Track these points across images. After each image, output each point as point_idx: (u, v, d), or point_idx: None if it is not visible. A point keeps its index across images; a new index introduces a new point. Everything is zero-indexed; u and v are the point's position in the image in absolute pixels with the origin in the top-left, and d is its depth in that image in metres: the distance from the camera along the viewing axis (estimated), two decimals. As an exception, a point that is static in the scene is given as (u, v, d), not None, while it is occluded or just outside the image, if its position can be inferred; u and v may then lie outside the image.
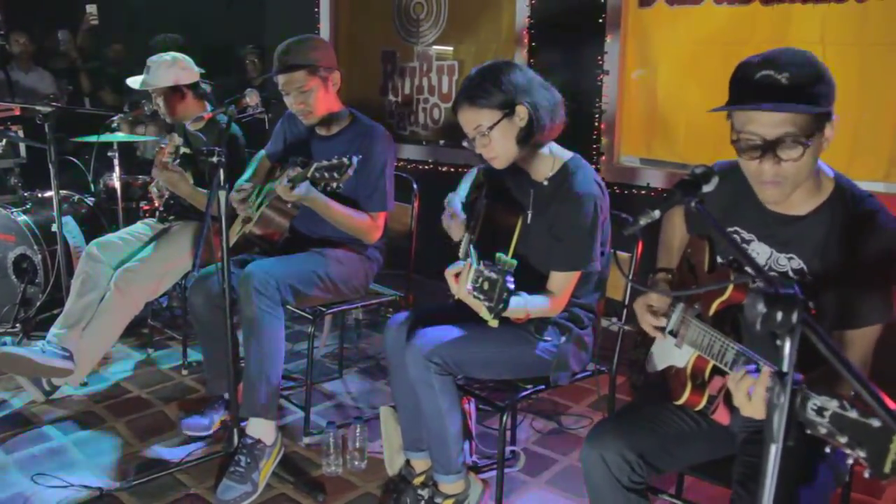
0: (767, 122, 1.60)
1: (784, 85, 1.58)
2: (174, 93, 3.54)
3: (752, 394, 1.47)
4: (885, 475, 1.14)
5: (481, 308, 2.01)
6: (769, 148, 1.62)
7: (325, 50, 3.05)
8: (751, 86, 1.62)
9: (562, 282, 2.34)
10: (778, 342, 1.16)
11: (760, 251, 1.82)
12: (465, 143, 2.38)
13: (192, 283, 3.09)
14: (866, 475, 1.16)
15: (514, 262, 1.95)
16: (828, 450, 1.22)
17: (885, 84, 3.32)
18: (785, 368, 1.16)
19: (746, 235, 1.85)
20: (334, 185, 2.63)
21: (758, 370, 1.51)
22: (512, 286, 1.92)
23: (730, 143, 1.70)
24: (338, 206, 2.93)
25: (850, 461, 1.20)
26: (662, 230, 2.17)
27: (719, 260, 1.89)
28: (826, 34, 3.43)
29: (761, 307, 1.14)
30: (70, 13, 6.51)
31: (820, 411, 1.21)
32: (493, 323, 2.00)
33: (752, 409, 1.47)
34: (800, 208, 1.75)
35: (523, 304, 2.22)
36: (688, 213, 2.07)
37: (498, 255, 1.98)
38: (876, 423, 1.15)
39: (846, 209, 1.71)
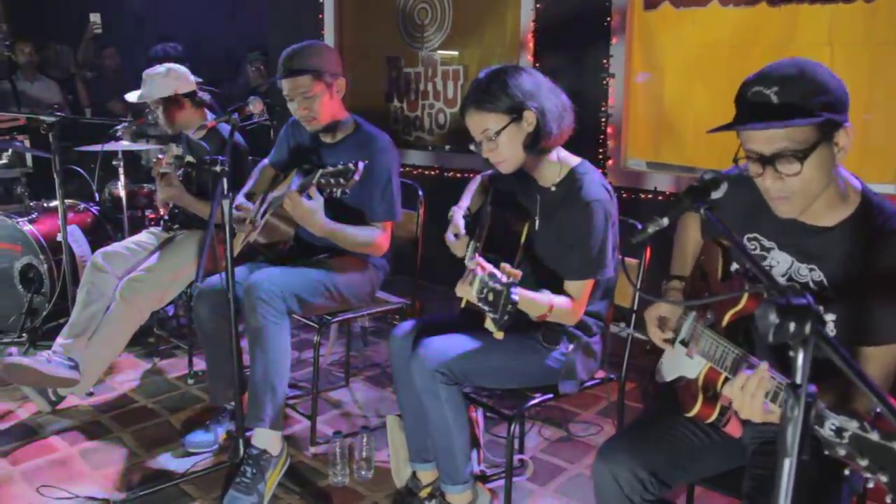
0: (762, 140, 1.59)
1: (773, 101, 1.56)
2: (171, 103, 3.53)
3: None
4: None
5: (486, 318, 1.99)
6: (768, 164, 1.60)
7: (331, 56, 3.03)
8: (745, 104, 1.61)
9: (577, 290, 2.31)
10: (791, 354, 1.12)
11: (781, 260, 1.78)
12: (471, 147, 2.36)
13: (196, 293, 3.08)
14: (888, 500, 1.12)
15: (519, 272, 1.93)
16: (847, 472, 1.18)
17: (895, 85, 3.28)
18: (798, 380, 1.12)
19: (767, 243, 1.81)
20: (339, 191, 2.60)
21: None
22: (516, 298, 1.90)
23: (736, 148, 1.68)
24: (341, 229, 2.87)
25: (871, 485, 1.15)
26: (677, 235, 2.14)
27: (734, 267, 1.86)
28: (834, 35, 3.39)
29: (773, 318, 1.11)
30: (74, 22, 6.53)
31: (839, 432, 1.17)
32: (499, 335, 1.98)
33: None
34: (826, 219, 1.70)
35: (547, 300, 2.21)
36: (702, 218, 2.04)
37: (503, 265, 1.96)
38: None
39: (874, 224, 1.66)
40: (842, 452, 1.17)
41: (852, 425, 1.16)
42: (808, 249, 1.73)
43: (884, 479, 1.12)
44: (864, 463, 1.14)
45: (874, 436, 1.14)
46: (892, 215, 1.67)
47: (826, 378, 1.27)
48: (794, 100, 1.54)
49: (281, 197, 2.87)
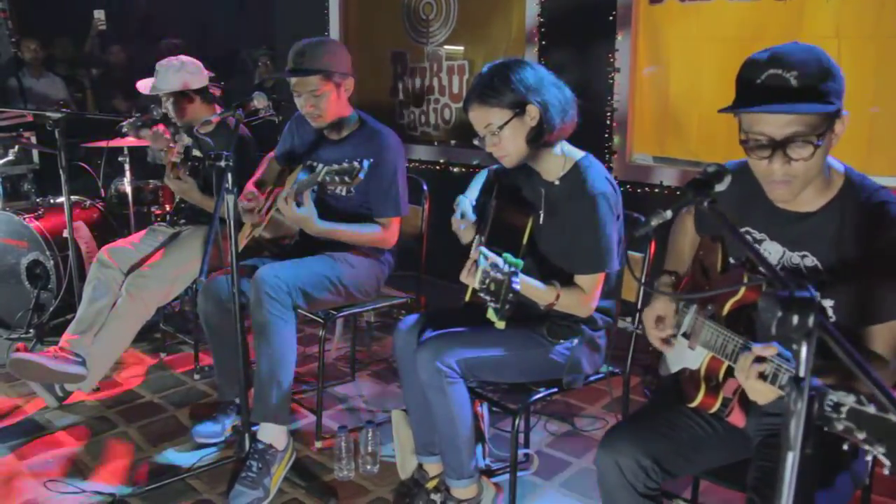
0: (776, 123, 1.58)
1: (793, 85, 1.55)
2: (183, 97, 3.53)
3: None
4: None
5: (488, 308, 2.00)
6: (779, 148, 1.59)
7: (342, 55, 3.01)
8: (758, 86, 1.59)
9: (589, 284, 2.31)
10: (794, 347, 1.12)
11: (772, 250, 1.79)
12: (475, 141, 2.36)
13: (201, 288, 3.08)
14: (886, 472, 1.13)
15: (521, 262, 1.94)
16: (845, 447, 1.19)
17: (903, 78, 3.26)
18: (801, 374, 1.12)
19: (758, 235, 1.82)
20: (345, 189, 2.60)
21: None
22: (517, 287, 1.90)
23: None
24: (340, 229, 2.87)
25: (869, 458, 1.17)
26: (672, 232, 2.14)
27: (731, 261, 1.86)
28: (841, 28, 3.37)
29: (777, 311, 1.11)
30: (79, 19, 6.55)
31: (837, 407, 1.18)
32: (500, 325, 1.99)
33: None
34: (810, 205, 1.71)
35: (553, 290, 2.22)
36: (699, 213, 2.05)
37: (505, 255, 1.97)
38: (895, 417, 1.12)
39: (858, 202, 1.67)
40: (840, 427, 1.18)
41: (850, 400, 1.17)
42: (795, 237, 1.74)
43: (881, 450, 1.14)
44: (861, 436, 1.16)
45: (871, 409, 1.15)
46: (875, 190, 1.68)
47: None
48: (812, 84, 1.54)
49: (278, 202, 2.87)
